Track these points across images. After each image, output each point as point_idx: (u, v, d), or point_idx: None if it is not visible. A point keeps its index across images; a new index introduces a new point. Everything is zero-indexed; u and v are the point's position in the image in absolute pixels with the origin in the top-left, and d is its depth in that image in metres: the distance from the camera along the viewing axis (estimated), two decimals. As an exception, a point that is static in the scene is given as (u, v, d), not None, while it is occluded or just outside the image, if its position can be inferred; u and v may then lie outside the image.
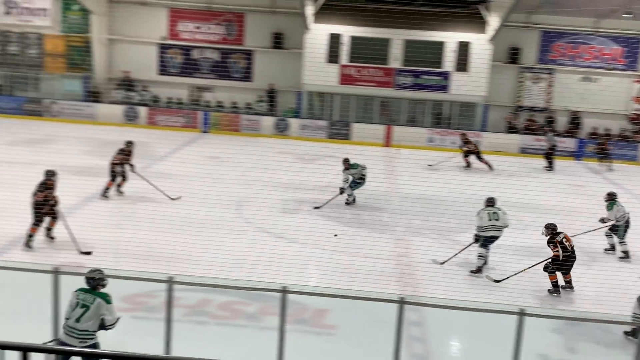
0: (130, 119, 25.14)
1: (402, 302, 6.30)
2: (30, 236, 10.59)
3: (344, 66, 25.21)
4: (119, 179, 14.49)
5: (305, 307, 8.57)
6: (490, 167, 20.10)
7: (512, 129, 25.18)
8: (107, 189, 14.24)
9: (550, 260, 10.08)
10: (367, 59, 25.10)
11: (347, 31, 24.90)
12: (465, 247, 11.11)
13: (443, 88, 25.31)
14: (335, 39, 24.98)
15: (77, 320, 6.06)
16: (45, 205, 10.66)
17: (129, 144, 14.74)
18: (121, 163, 14.38)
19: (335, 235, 12.11)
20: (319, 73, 24.21)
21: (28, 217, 10.76)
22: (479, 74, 24.62)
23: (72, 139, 20.87)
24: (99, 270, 6.38)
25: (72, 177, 14.35)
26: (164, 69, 26.73)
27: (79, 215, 12.53)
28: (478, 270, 10.76)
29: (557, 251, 9.93)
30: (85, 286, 6.27)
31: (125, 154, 14.56)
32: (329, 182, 14.72)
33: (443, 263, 10.93)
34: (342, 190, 14.53)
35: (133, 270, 7.27)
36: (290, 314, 6.45)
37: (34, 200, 10.71)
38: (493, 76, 25.02)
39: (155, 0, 26.09)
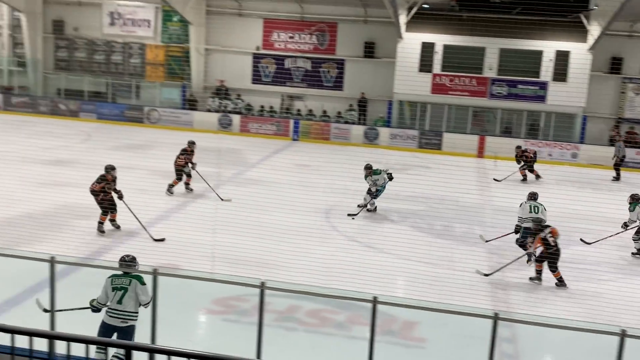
0: (224, 126, 25.85)
1: (496, 317, 6.10)
2: (101, 223, 11.72)
3: (437, 75, 24.90)
4: (184, 178, 15.06)
5: (394, 319, 8.47)
6: (538, 176, 19.24)
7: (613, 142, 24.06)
8: (171, 185, 14.81)
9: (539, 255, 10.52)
10: (460, 68, 24.71)
11: (440, 40, 24.60)
12: (517, 258, 10.79)
13: (540, 98, 24.52)
14: (428, 47, 24.73)
15: (119, 302, 6.50)
16: (99, 195, 11.67)
17: (191, 144, 15.27)
18: (185, 163, 14.87)
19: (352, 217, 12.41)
20: (410, 82, 24.03)
21: (127, 218, 11.26)
22: (578, 84, 23.69)
23: (169, 145, 21.63)
24: (131, 256, 6.88)
25: (168, 181, 14.93)
26: (257, 78, 27.34)
27: (174, 218, 12.99)
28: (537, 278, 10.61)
29: (536, 247, 10.53)
30: (118, 272, 6.72)
31: (188, 153, 15.08)
32: (418, 192, 14.55)
33: (488, 275, 10.61)
34: (372, 194, 14.33)
35: (226, 273, 7.43)
36: (378, 324, 6.39)
37: (90, 189, 11.79)
38: (593, 87, 24.01)
39: (250, 11, 26.77)
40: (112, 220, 11.93)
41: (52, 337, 3.92)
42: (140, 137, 22.97)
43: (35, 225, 11.61)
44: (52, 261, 6.44)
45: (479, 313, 6.42)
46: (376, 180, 14.45)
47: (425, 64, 24.86)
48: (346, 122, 25.85)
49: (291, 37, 26.89)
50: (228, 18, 26.92)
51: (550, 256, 10.33)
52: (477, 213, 14.99)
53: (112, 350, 6.12)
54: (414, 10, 24.01)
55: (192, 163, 15.08)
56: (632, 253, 12.37)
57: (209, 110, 26.59)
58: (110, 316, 6.51)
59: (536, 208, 11.70)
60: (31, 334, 3.68)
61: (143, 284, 6.58)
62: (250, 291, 6.87)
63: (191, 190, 15.19)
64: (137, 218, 11.49)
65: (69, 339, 3.70)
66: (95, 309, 6.65)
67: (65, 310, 6.64)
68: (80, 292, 7.17)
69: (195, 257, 9.52)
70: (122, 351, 5.86)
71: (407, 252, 11.02)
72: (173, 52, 27.88)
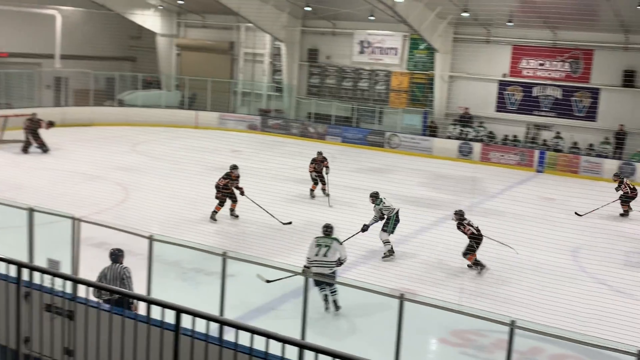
0: (464, 154, 25.54)
1: None
2: (215, 212, 13.91)
3: None
4: (229, 202, 14.22)
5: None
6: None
7: None
8: (214, 212, 14.04)
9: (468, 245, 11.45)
10: None
11: None
12: None
13: None
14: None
15: (325, 255, 9.16)
16: (221, 190, 13.80)
17: (234, 168, 14.29)
18: (225, 187, 13.98)
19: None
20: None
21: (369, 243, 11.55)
22: None
23: (408, 171, 21.98)
24: (329, 224, 9.62)
25: (405, 206, 15.08)
26: (502, 106, 26.62)
27: (410, 243, 13.05)
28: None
29: (469, 229, 11.57)
30: (321, 234, 9.47)
31: (232, 178, 14.15)
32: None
33: None
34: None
35: (470, 307, 7.23)
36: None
37: (216, 183, 13.93)
38: None
39: (499, 37, 26.23)
40: (232, 210, 14.16)
41: (302, 346, 4.09)
42: (381, 161, 23.63)
43: (285, 238, 12.48)
44: (305, 274, 6.78)
45: None
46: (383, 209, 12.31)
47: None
48: (598, 156, 23.97)
49: (541, 64, 25.76)
50: (475, 45, 26.67)
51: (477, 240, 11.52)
52: None
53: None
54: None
55: (239, 188, 14.17)
56: None
57: (449, 137, 26.50)
58: (317, 266, 9.01)
59: None
60: (284, 340, 3.88)
61: (340, 243, 9.38)
62: (489, 326, 6.59)
63: (236, 216, 14.27)
64: (261, 207, 13.46)
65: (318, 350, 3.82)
66: (306, 268, 8.76)
67: (278, 280, 7.86)
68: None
69: (436, 283, 9.44)
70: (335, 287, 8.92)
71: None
72: (417, 79, 28.35)
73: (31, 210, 7.95)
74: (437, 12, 25.04)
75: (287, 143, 26.58)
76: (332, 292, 9.06)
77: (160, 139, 25.13)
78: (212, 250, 7.54)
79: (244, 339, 4.08)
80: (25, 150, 20.56)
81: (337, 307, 9.11)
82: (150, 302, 4.47)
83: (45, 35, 28.03)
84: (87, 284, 4.96)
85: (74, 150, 21.15)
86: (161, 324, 4.50)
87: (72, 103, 28.88)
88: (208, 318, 4.10)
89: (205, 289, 9.47)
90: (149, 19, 32.01)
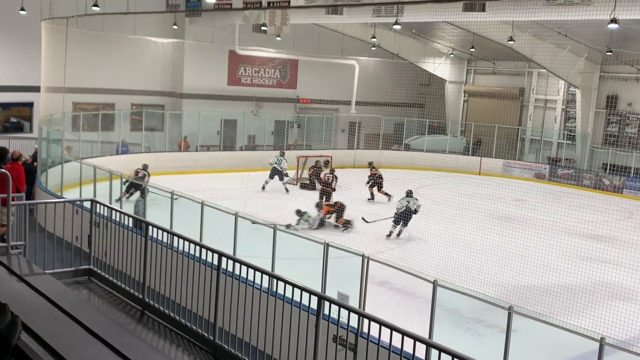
0: None
1: None
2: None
3: None
4: None
5: None
6: None
7: None
8: None
9: None
10: None
11: None
12: None
13: None
14: None
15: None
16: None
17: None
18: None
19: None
20: None
21: None
22: None
23: None
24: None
25: None
26: None
27: None
28: None
29: None
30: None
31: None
32: None
33: None
34: None
35: None
36: None
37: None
38: None
39: None
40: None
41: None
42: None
43: (571, 297, 11.64)
44: (601, 342, 6.23)
45: None
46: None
47: None
48: None
49: None
50: None
51: None
52: None
53: None
54: None
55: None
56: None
57: None
58: None
59: None
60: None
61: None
62: None
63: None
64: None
65: None
66: None
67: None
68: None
69: None
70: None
71: None
72: None
73: (327, 245, 8.59)
74: None
75: (578, 194, 24.91)
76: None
77: (443, 184, 25.43)
78: (498, 303, 7.33)
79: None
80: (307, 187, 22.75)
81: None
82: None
83: (344, 84, 30.50)
84: (373, 319, 5.18)
85: (359, 190, 22.47)
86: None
87: (363, 146, 30.85)
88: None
89: (487, 341, 9.23)
90: (440, 67, 32.97)
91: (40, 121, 19.51)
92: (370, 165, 22.57)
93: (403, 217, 16.05)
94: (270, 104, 30.59)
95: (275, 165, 22.12)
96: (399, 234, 16.19)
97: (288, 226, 14.89)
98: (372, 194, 21.56)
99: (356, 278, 8.37)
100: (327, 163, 23.25)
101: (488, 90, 32.77)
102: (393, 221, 16.16)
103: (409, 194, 16.65)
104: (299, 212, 16.55)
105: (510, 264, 13.29)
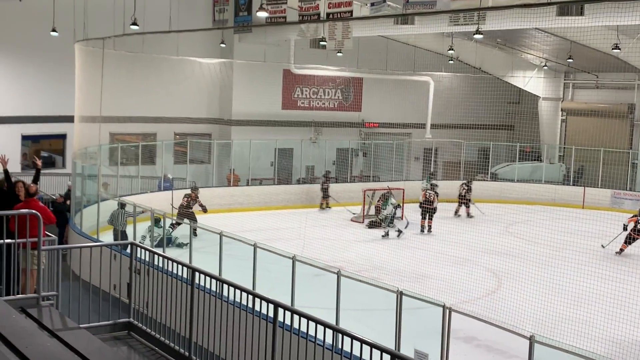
0: None
1: None
2: None
3: None
4: None
5: None
6: None
7: None
8: None
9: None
10: None
11: None
12: None
13: None
14: None
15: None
16: None
17: None
18: None
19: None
20: None
21: None
22: None
23: None
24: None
25: None
26: None
27: None
28: None
29: None
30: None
31: None
32: None
33: None
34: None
35: None
36: None
37: None
38: None
39: None
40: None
41: None
42: None
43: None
44: None
45: None
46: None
47: None
48: None
49: None
50: None
51: None
52: None
53: None
54: None
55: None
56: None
57: None
58: None
59: None
60: None
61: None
62: None
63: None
64: None
65: None
66: None
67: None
68: None
69: None
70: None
71: None
72: None
73: (400, 294, 8.54)
74: None
75: None
76: None
77: (539, 220, 24.93)
78: (607, 362, 7.11)
79: None
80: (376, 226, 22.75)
81: None
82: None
83: (417, 104, 30.49)
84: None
85: (438, 229, 22.28)
86: None
87: (441, 176, 30.63)
88: None
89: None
90: (531, 82, 32.57)
91: (74, 155, 20.24)
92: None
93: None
94: (331, 129, 30.84)
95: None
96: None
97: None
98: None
99: (436, 333, 8.27)
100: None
101: (590, 108, 32.10)
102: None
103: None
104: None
105: (623, 315, 12.88)
